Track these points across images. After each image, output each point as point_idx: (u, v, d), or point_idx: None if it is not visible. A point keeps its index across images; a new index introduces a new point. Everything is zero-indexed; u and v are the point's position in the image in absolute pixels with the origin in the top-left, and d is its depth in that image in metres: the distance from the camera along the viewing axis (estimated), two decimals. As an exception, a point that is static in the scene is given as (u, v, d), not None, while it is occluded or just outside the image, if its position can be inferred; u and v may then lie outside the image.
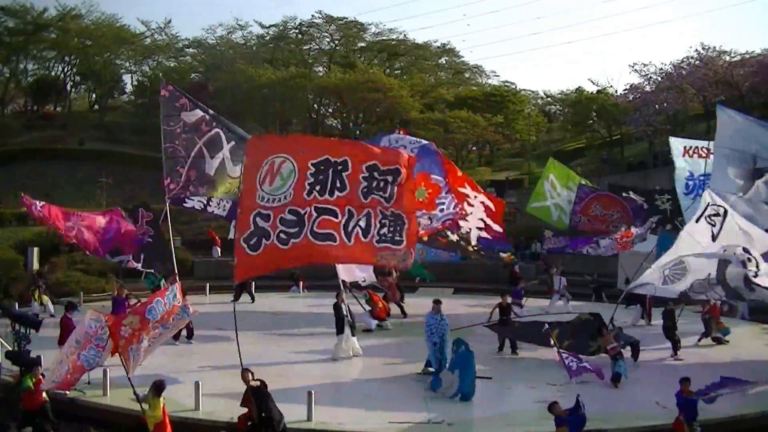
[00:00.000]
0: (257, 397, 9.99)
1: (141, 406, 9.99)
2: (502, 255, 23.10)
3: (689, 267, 13.48)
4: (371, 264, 12.91)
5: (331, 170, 11.44)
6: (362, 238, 11.46)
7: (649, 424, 10.91)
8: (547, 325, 14.10)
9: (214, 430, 10.87)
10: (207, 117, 16.83)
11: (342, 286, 17.04)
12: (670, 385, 11.38)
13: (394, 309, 20.66)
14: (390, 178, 11.58)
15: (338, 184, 11.45)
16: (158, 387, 10.05)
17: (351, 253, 11.71)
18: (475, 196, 20.04)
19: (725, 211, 13.69)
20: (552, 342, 13.35)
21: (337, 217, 11.38)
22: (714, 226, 13.59)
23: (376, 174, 11.56)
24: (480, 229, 19.73)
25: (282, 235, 11.18)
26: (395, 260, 12.00)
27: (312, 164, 11.39)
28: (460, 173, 21.21)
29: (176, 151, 16.37)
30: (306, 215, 11.28)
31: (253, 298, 23.15)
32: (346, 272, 18.33)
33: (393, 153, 12.62)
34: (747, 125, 16.23)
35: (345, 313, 15.47)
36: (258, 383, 10.12)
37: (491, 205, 20.29)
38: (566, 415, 9.60)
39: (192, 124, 16.54)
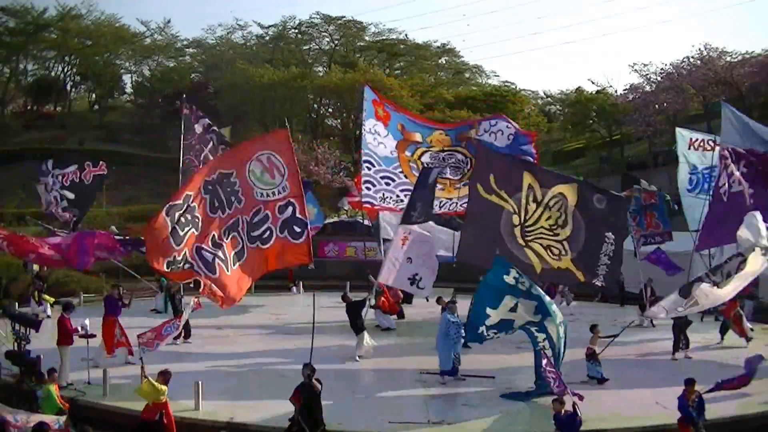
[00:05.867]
0: (306, 395, 10.02)
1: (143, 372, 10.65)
2: None
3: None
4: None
5: (220, 185, 11.81)
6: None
7: (649, 424, 10.91)
8: None
9: (214, 430, 10.87)
10: (206, 124, 19.50)
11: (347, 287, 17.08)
12: (671, 385, 11.40)
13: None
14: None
15: (233, 198, 11.85)
16: (164, 375, 10.45)
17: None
18: None
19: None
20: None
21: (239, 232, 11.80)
22: None
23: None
24: None
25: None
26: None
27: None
28: None
29: (192, 162, 18.27)
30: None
31: None
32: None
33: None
34: (750, 125, 16.47)
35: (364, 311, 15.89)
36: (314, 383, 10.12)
37: None
38: (564, 415, 9.64)
39: (199, 135, 18.81)
